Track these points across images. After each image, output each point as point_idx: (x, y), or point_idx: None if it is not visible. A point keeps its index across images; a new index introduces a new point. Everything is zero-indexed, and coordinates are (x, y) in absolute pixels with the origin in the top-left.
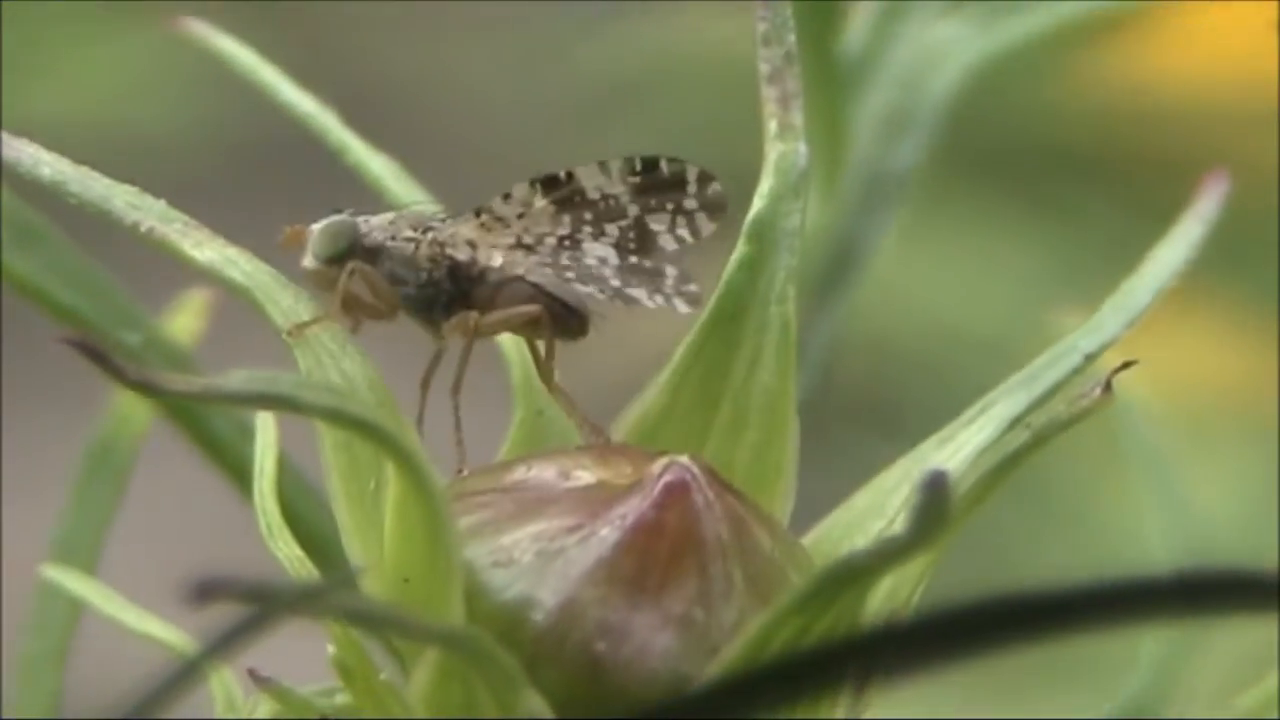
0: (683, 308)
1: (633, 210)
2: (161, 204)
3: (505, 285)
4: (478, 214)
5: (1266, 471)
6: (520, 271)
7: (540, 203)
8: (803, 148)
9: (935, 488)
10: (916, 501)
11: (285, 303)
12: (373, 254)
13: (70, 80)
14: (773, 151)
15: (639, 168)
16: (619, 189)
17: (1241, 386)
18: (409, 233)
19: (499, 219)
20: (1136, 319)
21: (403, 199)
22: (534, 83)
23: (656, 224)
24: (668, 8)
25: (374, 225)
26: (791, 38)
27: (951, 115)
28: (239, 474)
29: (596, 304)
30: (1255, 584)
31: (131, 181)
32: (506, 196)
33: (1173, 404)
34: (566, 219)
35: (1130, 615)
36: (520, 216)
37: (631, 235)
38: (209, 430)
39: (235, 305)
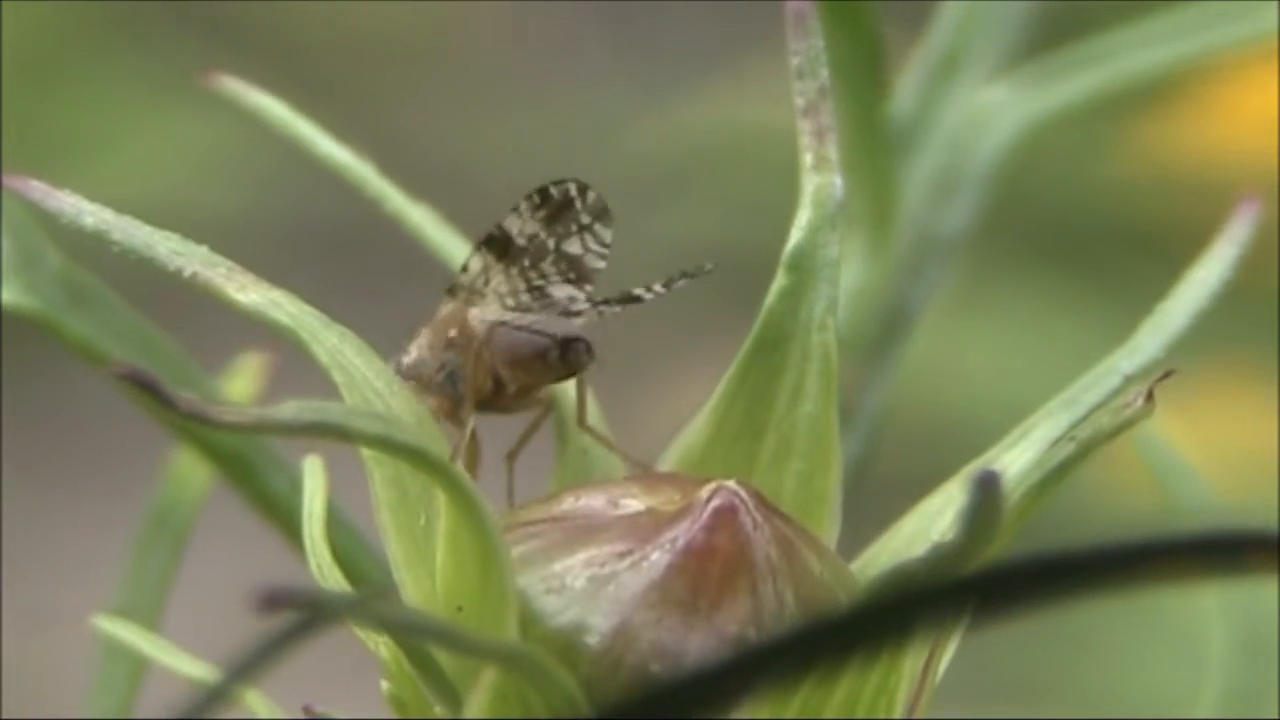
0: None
1: (550, 242)
2: (204, 249)
3: (507, 343)
4: (452, 293)
5: None
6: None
7: (490, 262)
8: (838, 180)
9: (987, 486)
10: (968, 502)
11: (330, 342)
12: (421, 380)
13: (130, 161)
14: (809, 184)
15: (538, 200)
16: (534, 227)
17: (1250, 439)
18: (428, 340)
19: (473, 291)
20: (1174, 339)
21: (442, 247)
22: (583, 162)
23: (572, 247)
24: (715, 89)
25: (411, 353)
26: (825, 72)
27: (1007, 187)
28: (295, 531)
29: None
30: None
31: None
32: (464, 269)
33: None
34: (515, 270)
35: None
36: (486, 282)
37: (565, 266)
38: (265, 487)
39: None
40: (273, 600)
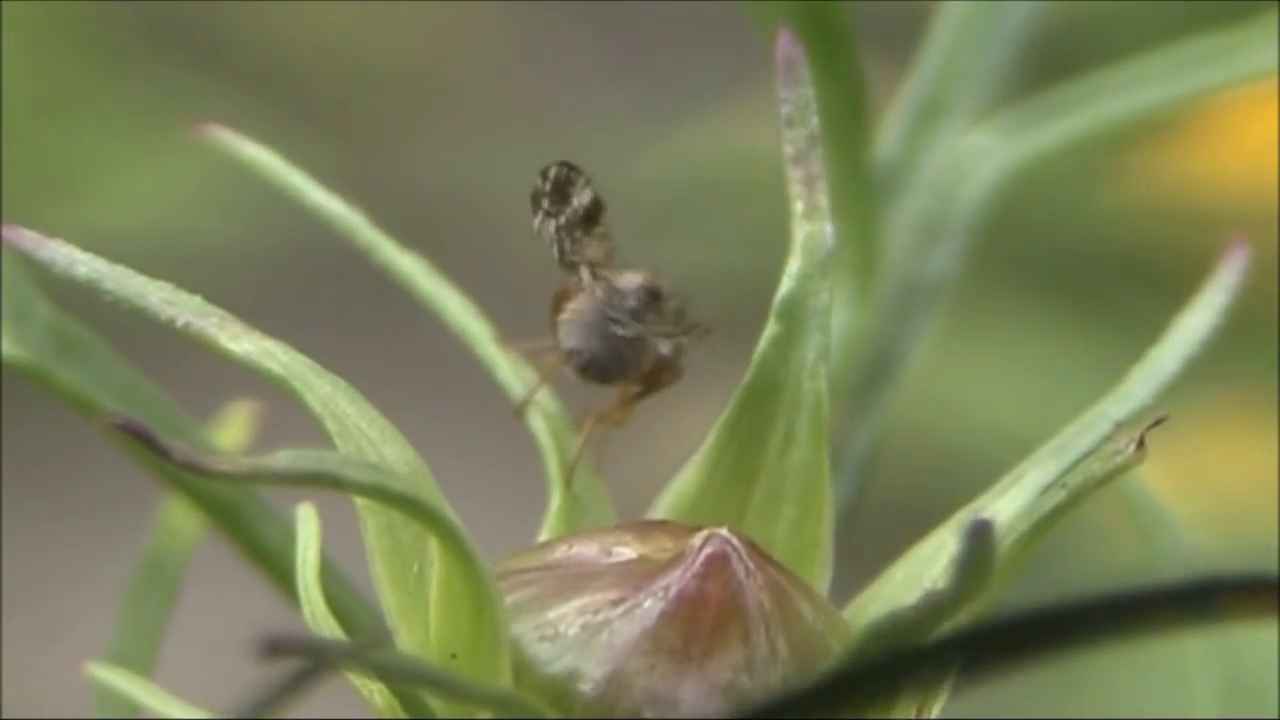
0: None
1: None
2: (197, 299)
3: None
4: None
5: None
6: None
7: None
8: (829, 227)
9: (980, 535)
10: (961, 551)
11: (323, 391)
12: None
13: (126, 193)
14: (800, 232)
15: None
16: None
17: (1270, 493)
18: None
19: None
20: (1164, 386)
21: (432, 296)
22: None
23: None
24: (718, 118)
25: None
26: (815, 120)
27: (1000, 220)
28: (286, 580)
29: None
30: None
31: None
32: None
33: (1199, 512)
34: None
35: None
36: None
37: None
38: (256, 536)
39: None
40: (273, 648)
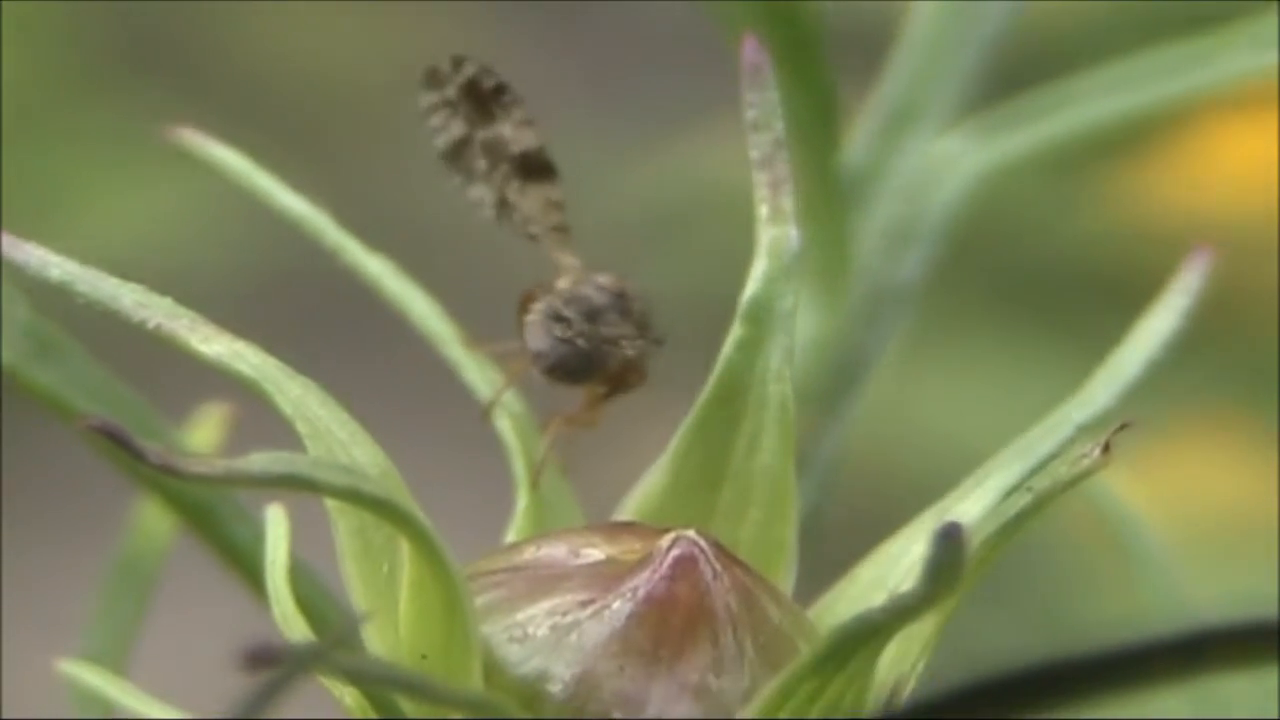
0: None
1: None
2: (168, 301)
3: None
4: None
5: (1269, 588)
6: None
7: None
8: (794, 231)
9: (950, 539)
10: (931, 554)
11: (294, 393)
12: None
13: (106, 217)
14: (765, 235)
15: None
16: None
17: (1247, 507)
18: None
19: None
20: (1127, 390)
21: (400, 298)
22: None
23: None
24: (689, 145)
25: None
26: (780, 125)
27: (971, 236)
28: (259, 580)
29: None
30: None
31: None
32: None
33: (1178, 524)
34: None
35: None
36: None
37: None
38: (229, 537)
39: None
40: (249, 659)
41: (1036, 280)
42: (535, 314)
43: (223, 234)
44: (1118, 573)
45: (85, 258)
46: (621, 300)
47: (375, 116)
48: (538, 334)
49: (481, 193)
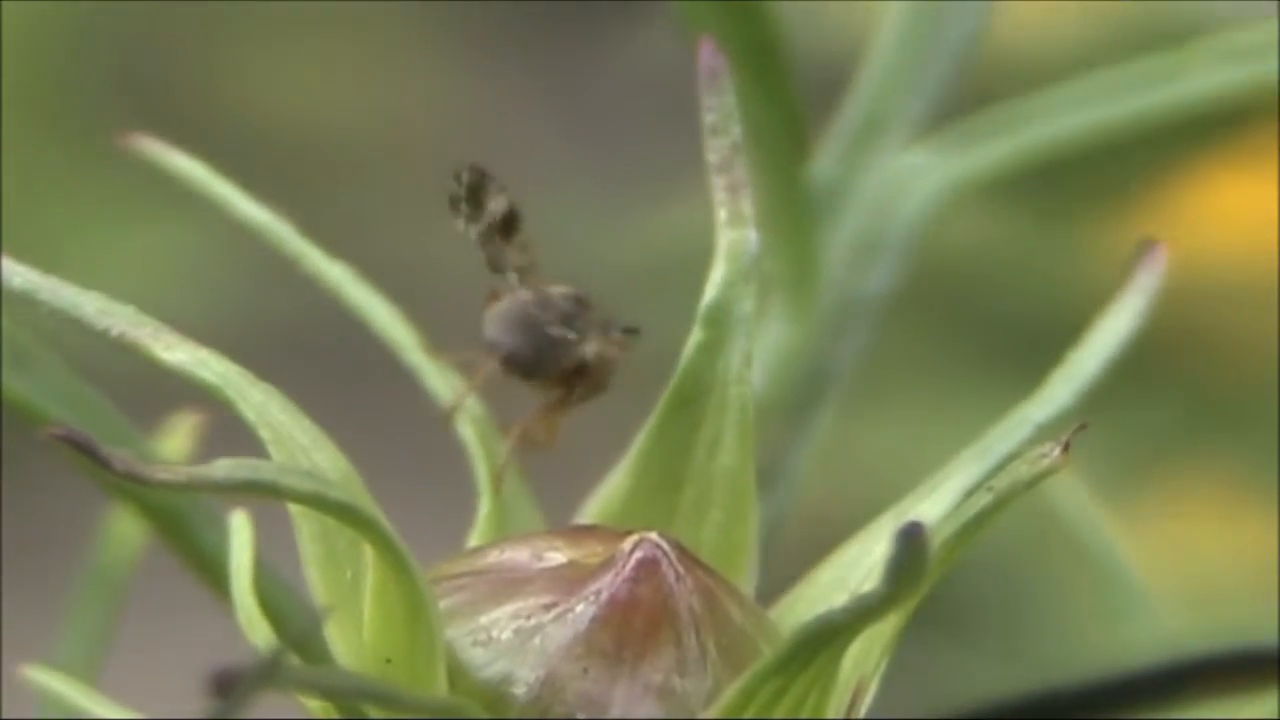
0: None
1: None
2: (131, 309)
3: None
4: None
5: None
6: None
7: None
8: (753, 234)
9: (912, 538)
10: (892, 554)
11: (256, 399)
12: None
13: (106, 268)
14: (724, 239)
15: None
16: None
17: (1247, 560)
18: None
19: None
20: (1085, 389)
21: (361, 304)
22: (555, 270)
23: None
24: (677, 202)
25: None
26: (738, 129)
27: (957, 289)
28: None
29: None
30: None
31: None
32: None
33: (1174, 572)
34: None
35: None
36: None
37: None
38: (200, 544)
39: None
40: (220, 682)
41: (1014, 328)
42: (497, 309)
43: (219, 282)
44: (1098, 609)
45: None
46: (583, 304)
47: (366, 168)
48: (498, 327)
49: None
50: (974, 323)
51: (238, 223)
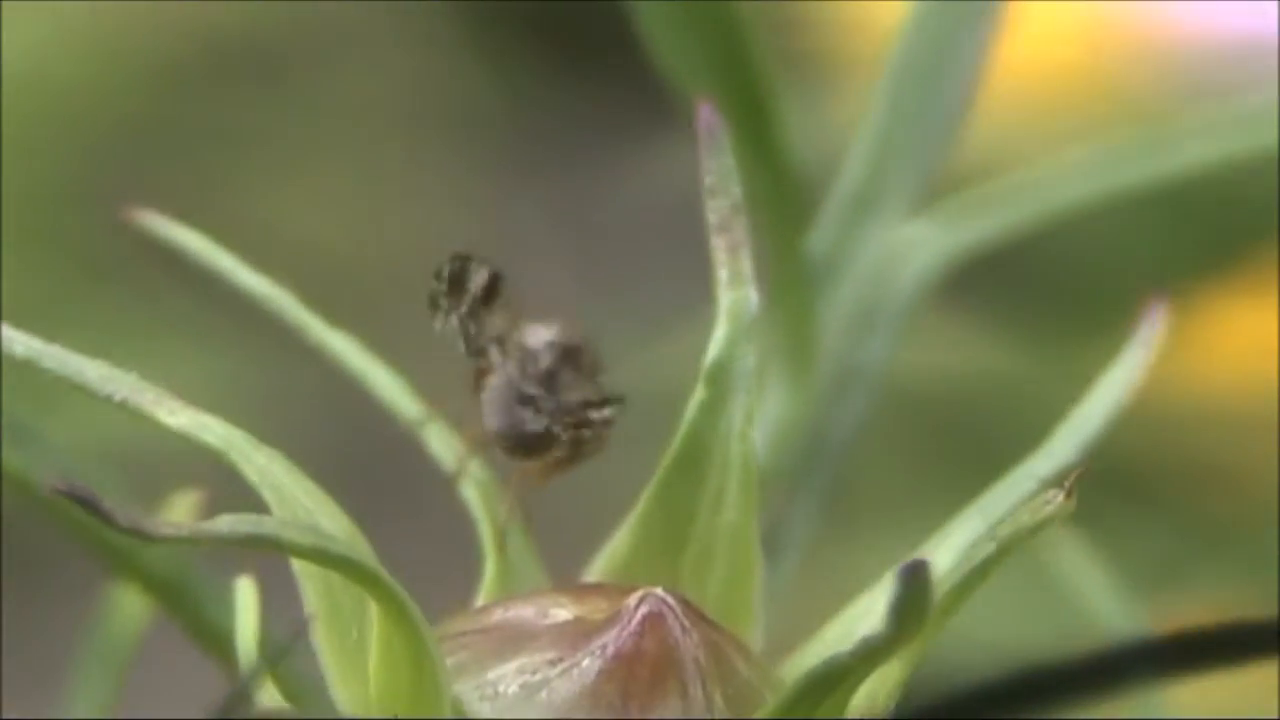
0: None
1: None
2: (133, 376)
3: None
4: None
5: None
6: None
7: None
8: (753, 294)
9: (915, 576)
10: (895, 593)
11: (260, 462)
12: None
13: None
14: (725, 299)
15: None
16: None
17: (1241, 688)
18: None
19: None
20: (1089, 443)
21: (365, 374)
22: None
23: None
24: (683, 333)
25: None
26: (737, 189)
27: (955, 416)
28: (233, 660)
29: None
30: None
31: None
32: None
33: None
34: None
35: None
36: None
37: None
38: (203, 616)
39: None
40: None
41: (1014, 456)
42: (492, 391)
43: (233, 410)
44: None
45: (100, 445)
46: (571, 354)
47: (375, 294)
48: (496, 413)
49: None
50: (967, 444)
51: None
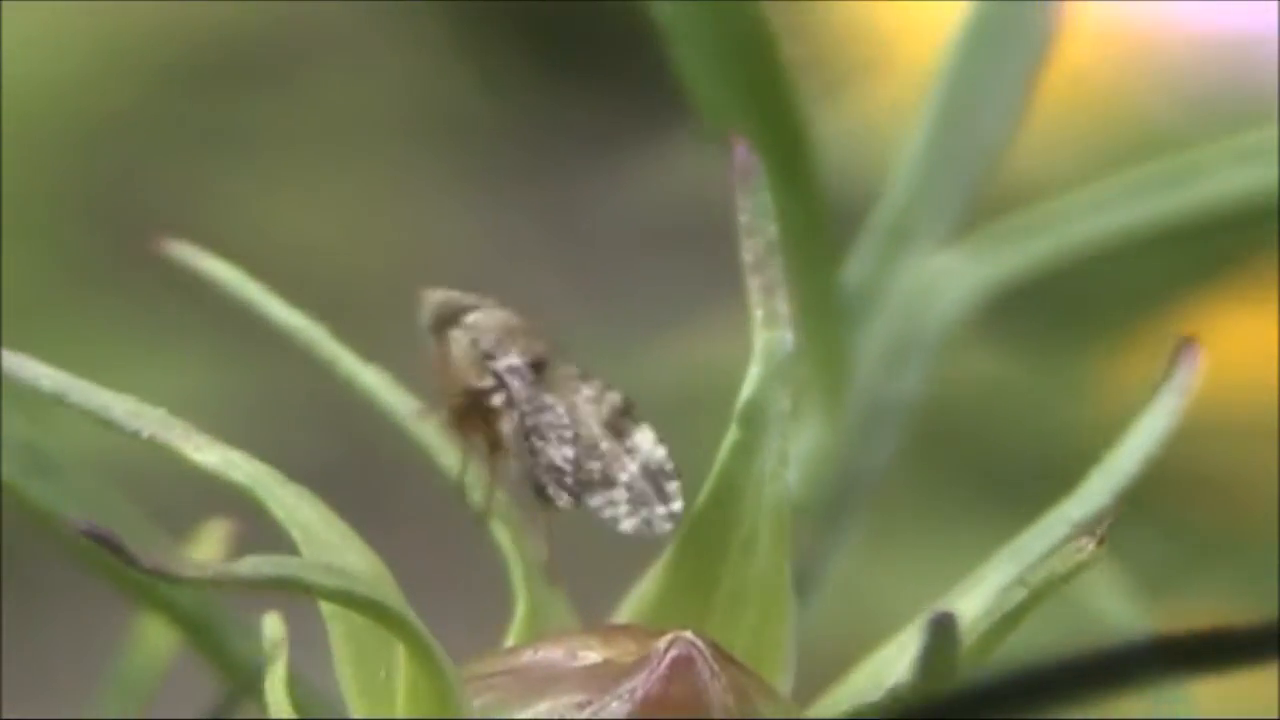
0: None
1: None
2: (162, 412)
3: None
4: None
5: None
6: None
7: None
8: (788, 335)
9: (943, 627)
10: (924, 643)
11: (288, 500)
12: None
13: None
14: (759, 339)
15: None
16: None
17: (1239, 696)
18: None
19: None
20: (1122, 487)
21: (395, 408)
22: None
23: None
24: (681, 336)
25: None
26: (773, 228)
27: (953, 422)
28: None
29: None
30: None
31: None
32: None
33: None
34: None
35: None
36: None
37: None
38: (228, 650)
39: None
40: None
41: (1018, 468)
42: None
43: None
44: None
45: (99, 446)
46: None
47: (365, 296)
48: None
49: None
50: (974, 457)
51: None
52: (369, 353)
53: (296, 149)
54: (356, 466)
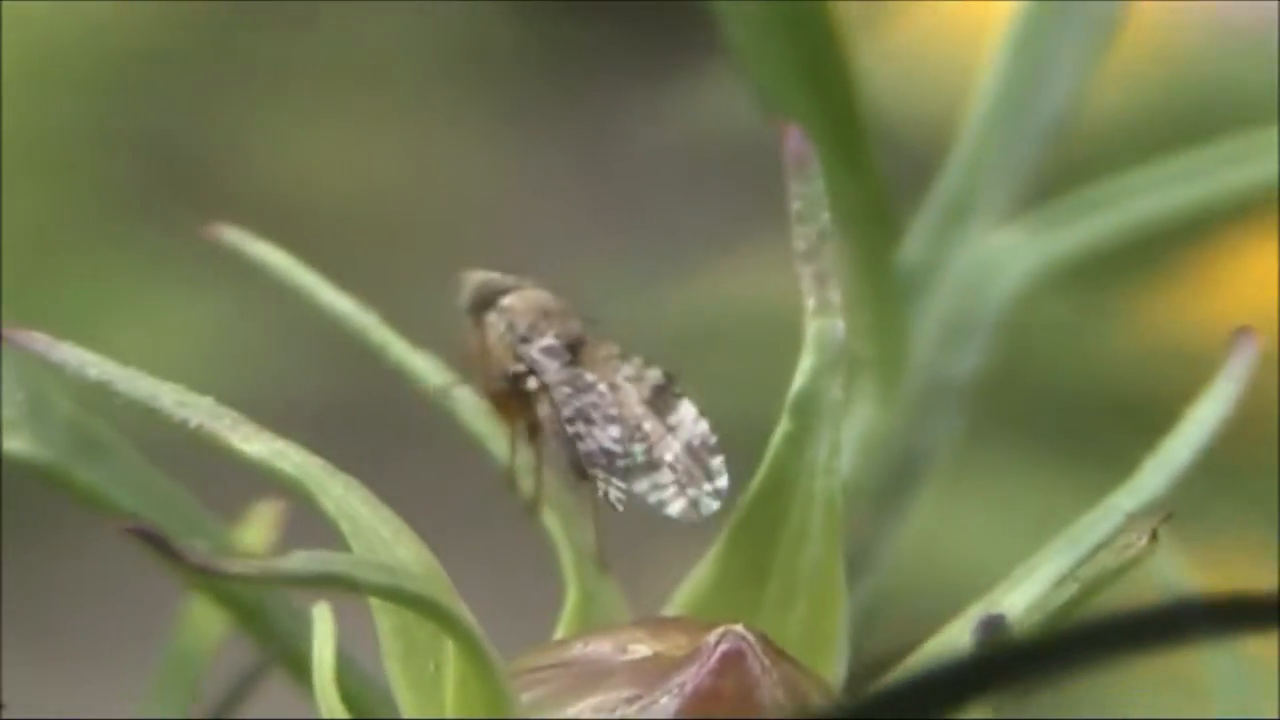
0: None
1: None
2: (209, 400)
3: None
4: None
5: None
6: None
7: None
8: (840, 323)
9: (993, 629)
10: (974, 645)
11: (336, 492)
12: None
13: (129, 342)
14: (811, 328)
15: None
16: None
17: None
18: None
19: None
20: (1177, 477)
21: (444, 394)
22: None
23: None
24: (713, 270)
25: None
26: (825, 215)
27: (996, 366)
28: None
29: None
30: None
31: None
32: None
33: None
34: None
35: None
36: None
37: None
38: (279, 634)
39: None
40: None
41: (1066, 405)
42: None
43: (251, 356)
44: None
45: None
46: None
47: (388, 242)
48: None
49: None
50: (1019, 401)
51: (271, 295)
52: (394, 286)
53: (329, 84)
54: (358, 399)
